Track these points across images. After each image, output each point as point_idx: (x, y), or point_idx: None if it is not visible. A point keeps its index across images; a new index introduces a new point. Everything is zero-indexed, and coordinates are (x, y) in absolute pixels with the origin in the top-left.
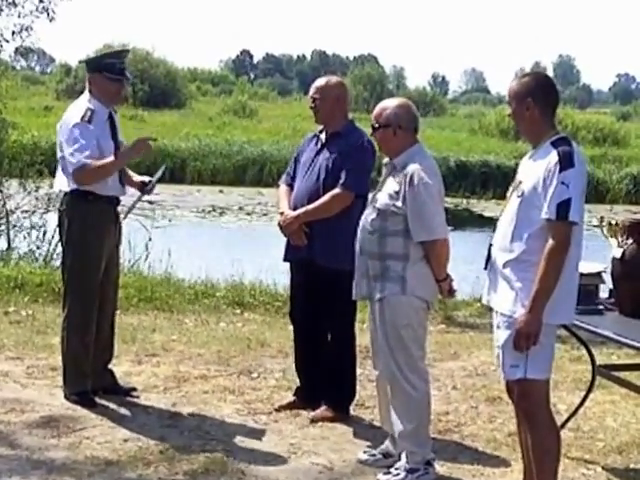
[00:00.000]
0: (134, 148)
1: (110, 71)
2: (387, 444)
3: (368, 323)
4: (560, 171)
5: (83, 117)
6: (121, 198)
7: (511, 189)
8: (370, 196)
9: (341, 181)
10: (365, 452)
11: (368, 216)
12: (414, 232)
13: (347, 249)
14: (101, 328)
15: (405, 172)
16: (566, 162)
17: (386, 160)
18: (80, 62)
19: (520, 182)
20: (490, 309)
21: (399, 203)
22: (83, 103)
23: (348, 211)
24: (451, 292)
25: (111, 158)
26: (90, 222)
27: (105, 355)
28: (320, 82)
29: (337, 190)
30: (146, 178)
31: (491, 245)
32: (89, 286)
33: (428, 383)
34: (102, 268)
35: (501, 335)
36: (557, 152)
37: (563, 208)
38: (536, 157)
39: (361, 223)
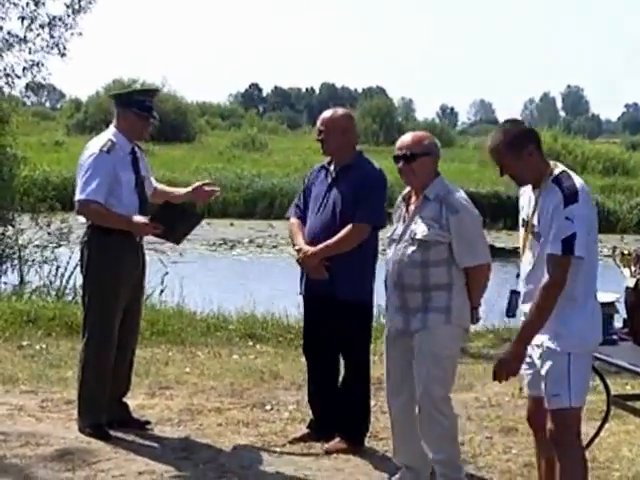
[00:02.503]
0: (138, 228)
1: (139, 108)
2: (403, 474)
3: (388, 356)
4: (565, 207)
5: (102, 147)
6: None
7: (522, 229)
8: (393, 231)
9: (359, 214)
10: None
11: (404, 249)
12: (459, 258)
13: (365, 281)
14: (120, 361)
15: (444, 201)
16: (570, 198)
17: (404, 194)
18: (110, 96)
19: (533, 225)
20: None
21: (443, 232)
22: (106, 135)
23: (365, 243)
24: (478, 320)
25: (118, 213)
26: (109, 255)
27: (121, 388)
28: (327, 114)
29: (356, 223)
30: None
31: (514, 292)
32: (108, 319)
33: (453, 409)
34: (122, 301)
35: (544, 366)
36: (561, 190)
37: (568, 243)
38: (543, 198)
39: (394, 257)
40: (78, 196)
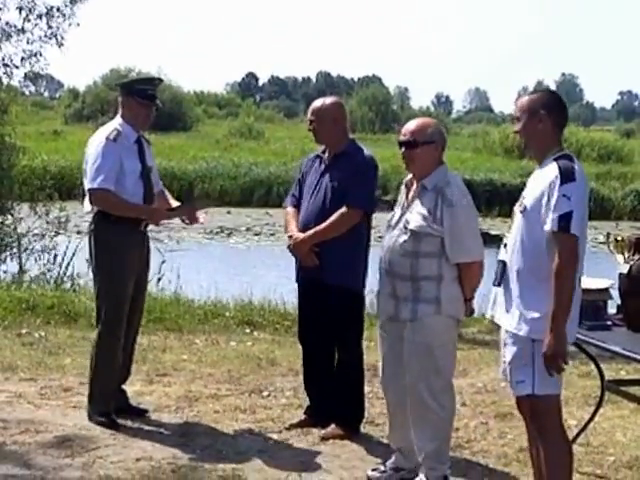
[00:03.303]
0: (153, 215)
1: (141, 96)
2: (397, 457)
3: (382, 342)
4: (561, 184)
5: (108, 136)
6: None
7: (517, 204)
8: (391, 217)
9: (349, 199)
10: (374, 469)
11: (397, 238)
12: (451, 254)
13: (355, 268)
14: (123, 349)
15: (441, 193)
16: (567, 175)
17: (407, 180)
18: (115, 85)
19: (523, 197)
20: (496, 325)
21: (436, 225)
22: (113, 124)
23: (355, 229)
24: (472, 312)
25: (131, 201)
26: (114, 244)
27: (122, 375)
28: (316, 104)
29: (345, 208)
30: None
31: (501, 262)
32: (117, 309)
33: (455, 400)
34: (129, 290)
35: (508, 351)
36: (558, 166)
37: (564, 220)
38: (539, 172)
39: (387, 244)
40: (89, 185)
